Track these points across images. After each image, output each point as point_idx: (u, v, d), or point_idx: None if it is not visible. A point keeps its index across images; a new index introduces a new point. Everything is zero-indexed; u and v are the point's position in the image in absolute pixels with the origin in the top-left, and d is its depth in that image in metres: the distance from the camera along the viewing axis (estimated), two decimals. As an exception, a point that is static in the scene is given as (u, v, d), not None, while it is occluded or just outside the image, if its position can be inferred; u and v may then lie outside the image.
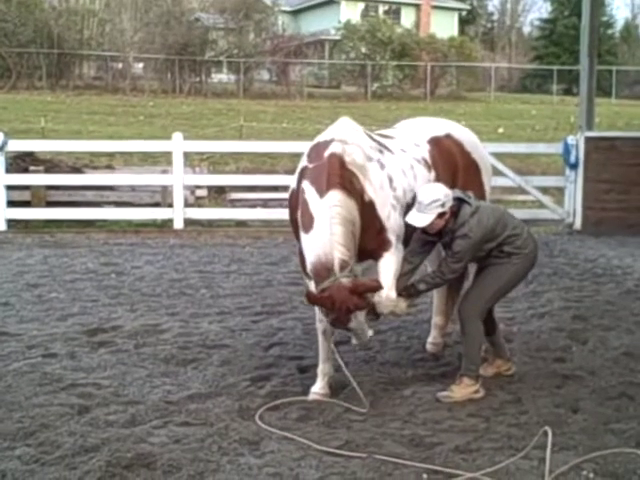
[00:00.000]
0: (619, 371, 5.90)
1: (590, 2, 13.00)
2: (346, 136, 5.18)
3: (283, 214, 13.09)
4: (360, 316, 4.89)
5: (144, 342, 6.57)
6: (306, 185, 5.02)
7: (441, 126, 6.10)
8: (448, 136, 5.95)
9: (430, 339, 6.35)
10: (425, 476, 4.17)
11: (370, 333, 5.05)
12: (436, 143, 5.80)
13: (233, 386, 5.52)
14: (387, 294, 5.15)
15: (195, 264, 10.06)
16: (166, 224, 12.83)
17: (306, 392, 5.36)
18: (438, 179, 5.58)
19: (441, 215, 5.06)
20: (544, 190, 13.42)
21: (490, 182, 6.27)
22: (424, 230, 5.18)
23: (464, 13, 56.24)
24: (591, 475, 4.17)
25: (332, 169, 4.93)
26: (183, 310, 7.68)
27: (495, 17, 68.07)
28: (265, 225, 13.21)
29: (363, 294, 4.80)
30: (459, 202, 5.15)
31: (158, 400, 5.22)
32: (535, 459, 4.34)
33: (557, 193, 13.76)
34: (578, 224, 12.85)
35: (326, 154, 5.03)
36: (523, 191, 13.23)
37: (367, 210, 5.08)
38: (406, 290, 5.29)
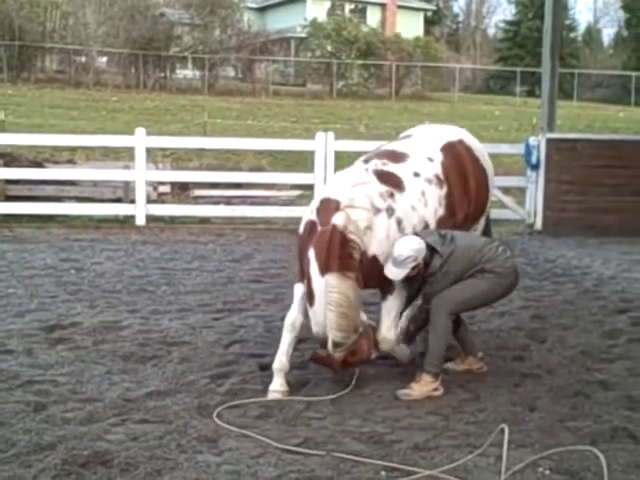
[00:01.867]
0: (576, 369, 5.98)
1: (552, 5, 13.18)
2: (353, 197, 5.30)
3: (246, 211, 13.21)
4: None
5: (103, 339, 6.50)
6: (312, 256, 5.23)
7: (454, 132, 6.32)
8: (461, 142, 6.13)
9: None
10: (383, 473, 4.18)
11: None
12: (450, 150, 5.96)
13: (192, 383, 5.49)
14: (384, 336, 5.54)
15: (157, 261, 9.99)
16: (128, 220, 12.71)
17: (266, 390, 5.34)
18: (450, 193, 5.81)
19: (414, 267, 5.33)
20: (506, 190, 13.53)
21: (493, 187, 6.52)
22: None
23: (429, 14, 56.62)
24: (547, 472, 4.22)
25: (332, 246, 5.15)
26: (143, 307, 7.61)
27: (460, 18, 68.69)
28: (228, 222, 13.16)
29: (357, 359, 5.27)
30: (431, 252, 5.36)
31: (116, 397, 5.16)
32: (492, 456, 4.38)
33: (518, 194, 13.91)
34: (539, 224, 13.00)
35: (332, 222, 5.19)
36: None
37: (371, 263, 5.37)
38: (403, 336, 5.72)
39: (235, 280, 8.97)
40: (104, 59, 40.99)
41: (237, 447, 4.46)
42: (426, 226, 5.65)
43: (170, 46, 39.48)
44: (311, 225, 5.37)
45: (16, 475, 4.04)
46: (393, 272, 5.34)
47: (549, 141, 12.98)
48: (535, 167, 12.98)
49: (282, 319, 6.94)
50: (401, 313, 5.75)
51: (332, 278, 5.11)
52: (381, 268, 5.40)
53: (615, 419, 4.96)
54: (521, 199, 13.44)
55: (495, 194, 12.92)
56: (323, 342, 5.24)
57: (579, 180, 12.89)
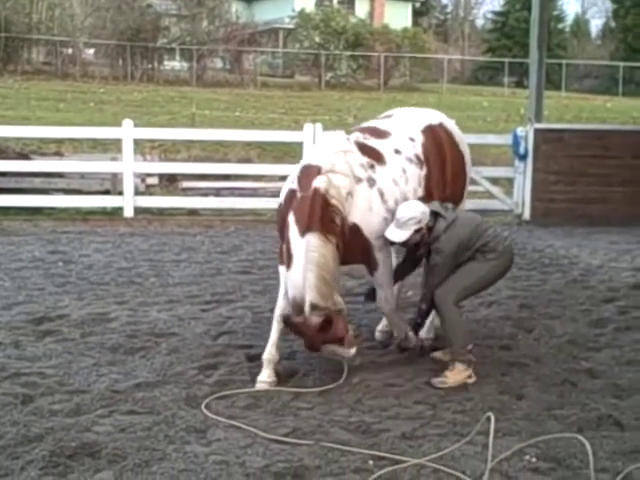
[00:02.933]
0: (563, 358, 6.02)
1: (540, -5, 13.17)
2: (334, 162, 5.26)
3: (235, 203, 13.18)
4: (332, 346, 5.13)
5: (91, 331, 6.48)
6: (291, 220, 5.19)
7: (435, 115, 6.32)
8: (441, 125, 6.15)
9: (379, 327, 6.43)
10: (371, 462, 4.20)
11: (352, 352, 5.26)
12: (430, 132, 5.98)
13: (181, 374, 5.49)
14: (381, 306, 5.73)
15: (145, 253, 9.96)
16: (116, 212, 12.66)
17: (254, 381, 5.35)
18: (429, 175, 5.83)
19: (417, 231, 5.30)
20: (494, 181, 13.58)
21: (470, 174, 6.47)
22: (402, 244, 5.43)
23: (418, 4, 56.55)
24: (533, 460, 4.25)
25: (314, 208, 5.08)
26: (132, 299, 7.60)
27: (449, 9, 68.64)
28: (217, 214, 13.13)
29: (331, 332, 5.03)
30: (435, 216, 5.36)
31: (104, 389, 5.16)
32: (479, 445, 4.41)
33: (507, 184, 13.94)
34: (527, 215, 13.04)
35: (313, 185, 5.13)
36: (473, 182, 13.34)
37: (352, 233, 5.31)
38: (412, 323, 5.75)
39: (223, 271, 8.96)
40: (91, 51, 40.76)
41: (225, 437, 4.47)
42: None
43: (158, 37, 39.28)
44: (291, 193, 5.34)
45: (3, 467, 4.04)
46: (395, 234, 5.30)
47: (537, 131, 13.01)
48: (523, 157, 13.01)
49: (270, 310, 6.96)
50: (401, 276, 5.78)
51: (313, 238, 5.04)
52: (363, 241, 5.37)
53: (601, 407, 4.99)
54: (509, 189, 13.48)
55: (483, 184, 13.06)
56: (299, 308, 5.06)
57: (567, 170, 12.93)
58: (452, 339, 5.44)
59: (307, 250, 5.03)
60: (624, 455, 4.32)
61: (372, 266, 5.58)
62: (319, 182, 5.14)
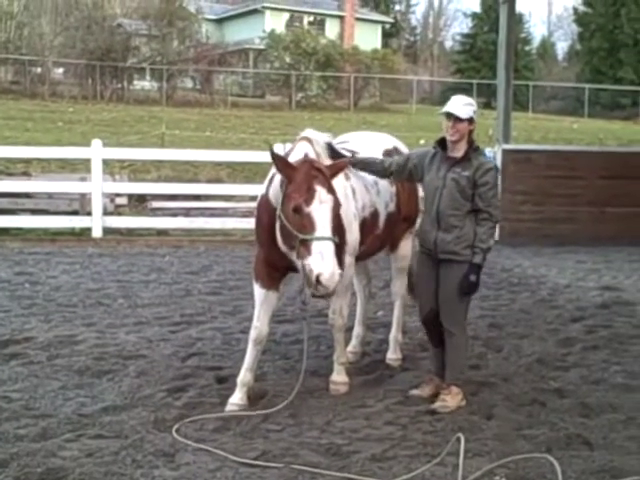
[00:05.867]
0: (531, 378, 6.05)
1: (507, 19, 13.38)
2: (318, 152, 5.19)
3: (205, 223, 13.13)
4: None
5: (58, 354, 6.40)
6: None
7: (388, 140, 6.46)
8: (396, 149, 6.27)
9: (350, 348, 6.42)
10: (342, 485, 4.18)
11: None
12: (389, 155, 6.04)
13: (149, 397, 5.42)
14: (340, 308, 5.59)
15: (113, 273, 9.88)
16: (84, 233, 12.56)
17: (224, 403, 5.31)
18: (398, 193, 5.96)
19: (471, 122, 5.25)
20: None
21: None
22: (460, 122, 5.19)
23: (387, 26, 57.06)
24: (503, 480, 4.26)
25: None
26: (99, 320, 7.52)
27: (418, 31, 69.29)
28: (186, 234, 13.08)
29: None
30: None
31: (71, 413, 5.08)
32: (450, 465, 4.40)
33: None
34: (496, 234, 13.11)
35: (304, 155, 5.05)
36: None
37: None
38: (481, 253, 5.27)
39: (193, 292, 8.90)
40: (60, 70, 40.48)
41: (194, 461, 4.42)
42: (375, 213, 5.72)
43: (127, 57, 39.12)
44: (264, 198, 5.28)
45: (-34, 494, 3.96)
46: (461, 109, 5.19)
47: (505, 152, 13.16)
48: (491, 178, 13.10)
49: (241, 331, 6.97)
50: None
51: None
52: (340, 227, 5.20)
53: (570, 426, 5.02)
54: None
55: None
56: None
57: (534, 190, 13.09)
58: (454, 363, 5.41)
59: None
60: (593, 474, 4.34)
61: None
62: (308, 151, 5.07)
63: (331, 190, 4.89)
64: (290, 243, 4.95)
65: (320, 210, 4.77)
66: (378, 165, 5.64)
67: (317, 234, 4.72)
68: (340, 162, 5.23)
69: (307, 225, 4.75)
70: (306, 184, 4.81)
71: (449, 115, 5.21)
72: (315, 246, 4.70)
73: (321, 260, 4.66)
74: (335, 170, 5.08)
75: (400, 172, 5.59)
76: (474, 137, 5.44)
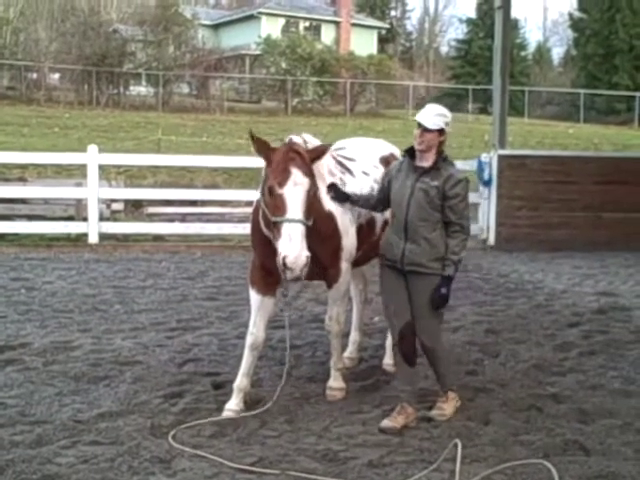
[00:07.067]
0: (528, 383, 6.05)
1: (502, 24, 13.41)
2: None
3: (201, 229, 13.12)
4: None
5: (54, 359, 6.38)
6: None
7: (384, 146, 6.45)
8: (392, 155, 6.27)
9: (347, 354, 6.41)
10: (338, 491, 4.17)
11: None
12: (386, 161, 6.06)
13: (145, 403, 5.41)
14: (337, 315, 5.60)
15: (109, 279, 9.86)
16: (80, 238, 12.53)
17: (220, 409, 5.29)
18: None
19: (441, 133, 5.12)
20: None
21: None
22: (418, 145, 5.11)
23: (383, 32, 57.16)
24: (500, 486, 4.26)
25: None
26: (96, 326, 7.50)
27: (414, 37, 69.40)
28: (183, 240, 13.06)
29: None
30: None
31: (67, 419, 5.07)
32: (446, 471, 4.40)
33: (471, 209, 14.00)
34: (491, 240, 13.16)
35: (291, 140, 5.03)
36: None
37: (327, 220, 5.23)
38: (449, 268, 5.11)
39: (189, 298, 8.89)
40: (56, 75, 40.47)
41: (191, 467, 4.41)
42: (371, 219, 5.70)
43: (123, 63, 39.13)
44: (259, 203, 5.24)
45: (-38, 501, 3.94)
46: (430, 119, 5.06)
47: (501, 158, 13.18)
48: (487, 183, 13.15)
49: (237, 337, 6.95)
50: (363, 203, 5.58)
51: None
52: (336, 236, 5.28)
53: (567, 432, 5.02)
54: (474, 215, 13.57)
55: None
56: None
57: (530, 196, 13.11)
58: (444, 373, 5.40)
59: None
60: (589, 480, 4.34)
61: (333, 277, 5.43)
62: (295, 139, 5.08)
63: (308, 173, 4.84)
64: (270, 227, 4.93)
65: (293, 192, 4.74)
66: (371, 200, 5.54)
67: (287, 216, 4.70)
68: (321, 146, 5.16)
69: (280, 207, 4.74)
70: (282, 165, 4.79)
71: (419, 124, 5.12)
72: (285, 228, 4.69)
73: (288, 242, 4.64)
74: (316, 154, 5.03)
75: (383, 199, 5.43)
76: (455, 145, 5.47)
